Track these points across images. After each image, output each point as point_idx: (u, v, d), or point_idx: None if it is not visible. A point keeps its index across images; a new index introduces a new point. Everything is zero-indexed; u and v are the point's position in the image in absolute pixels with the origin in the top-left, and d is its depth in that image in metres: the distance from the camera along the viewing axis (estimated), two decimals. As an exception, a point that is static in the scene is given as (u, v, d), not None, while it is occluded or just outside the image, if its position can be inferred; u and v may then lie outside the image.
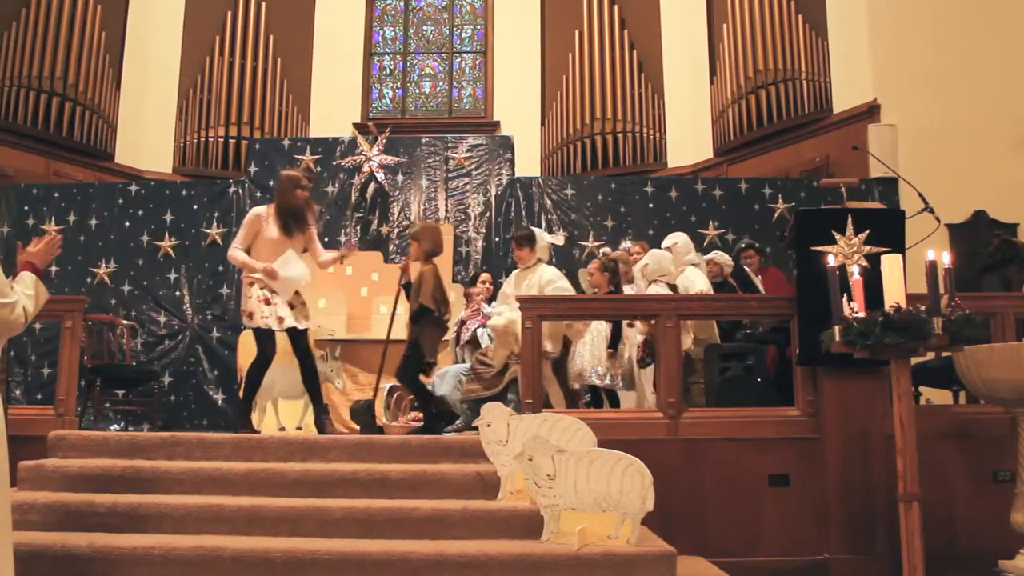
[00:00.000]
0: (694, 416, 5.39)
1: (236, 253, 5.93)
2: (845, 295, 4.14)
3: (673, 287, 6.51)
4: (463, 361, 7.13)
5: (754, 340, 6.70)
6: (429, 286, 5.97)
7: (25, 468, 4.73)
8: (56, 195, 9.25)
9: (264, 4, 12.68)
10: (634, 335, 6.92)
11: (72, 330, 5.68)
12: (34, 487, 4.64)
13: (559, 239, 7.00)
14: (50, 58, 10.87)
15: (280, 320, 5.72)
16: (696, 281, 6.52)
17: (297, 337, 5.83)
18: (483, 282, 7.48)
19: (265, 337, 5.72)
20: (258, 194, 9.30)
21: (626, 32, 12.39)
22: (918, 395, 6.12)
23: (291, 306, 5.82)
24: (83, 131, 11.14)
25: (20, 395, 8.41)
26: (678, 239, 6.64)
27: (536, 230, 6.89)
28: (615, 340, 6.46)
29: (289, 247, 5.87)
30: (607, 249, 8.33)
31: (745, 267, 7.53)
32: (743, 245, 7.57)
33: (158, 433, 5.45)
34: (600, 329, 6.47)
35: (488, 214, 9.26)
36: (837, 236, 5.08)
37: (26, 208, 9.13)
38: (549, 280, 6.44)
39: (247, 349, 7.87)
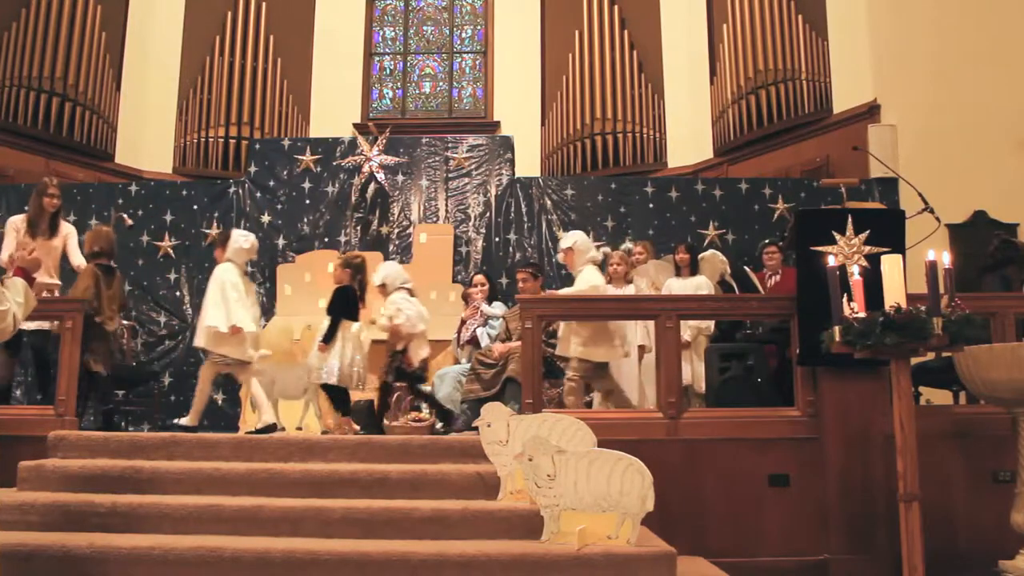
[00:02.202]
0: (694, 416, 5.39)
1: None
2: (845, 295, 4.14)
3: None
4: (463, 362, 7.13)
5: (754, 340, 6.70)
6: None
7: (25, 468, 4.73)
8: (56, 195, 9.23)
9: (264, 4, 12.68)
10: (634, 335, 6.93)
11: (72, 330, 5.68)
12: (34, 487, 4.65)
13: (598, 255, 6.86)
14: (50, 58, 10.87)
15: None
16: (591, 279, 6.38)
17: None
18: (479, 284, 7.48)
19: None
20: (258, 194, 9.30)
21: (626, 32, 12.39)
22: (918, 395, 6.12)
23: None
24: (83, 131, 11.14)
25: (20, 395, 8.40)
26: (576, 237, 6.51)
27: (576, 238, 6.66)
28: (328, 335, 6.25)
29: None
30: (607, 249, 8.32)
31: (746, 268, 7.53)
32: (767, 242, 7.54)
33: (158, 433, 5.45)
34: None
35: (488, 214, 9.25)
36: (837, 236, 5.08)
37: (26, 208, 9.09)
38: (593, 285, 6.30)
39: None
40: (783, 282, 7.04)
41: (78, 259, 6.77)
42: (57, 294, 6.72)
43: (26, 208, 6.93)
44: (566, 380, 6.14)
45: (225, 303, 6.06)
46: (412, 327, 6.21)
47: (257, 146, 9.80)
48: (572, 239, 6.48)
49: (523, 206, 9.26)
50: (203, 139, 12.12)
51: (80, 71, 11.14)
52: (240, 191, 9.35)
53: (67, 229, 6.91)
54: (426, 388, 6.51)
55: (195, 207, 9.29)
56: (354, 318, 6.27)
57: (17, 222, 6.73)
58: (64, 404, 5.55)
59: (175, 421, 6.31)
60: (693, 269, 7.35)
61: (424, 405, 6.52)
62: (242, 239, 6.42)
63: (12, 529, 4.21)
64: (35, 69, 10.76)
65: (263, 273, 8.95)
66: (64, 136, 10.97)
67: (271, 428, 6.03)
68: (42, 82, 10.78)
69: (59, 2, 11.08)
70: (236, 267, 6.31)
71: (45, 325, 6.41)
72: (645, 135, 12.01)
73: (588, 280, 6.27)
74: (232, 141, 12.02)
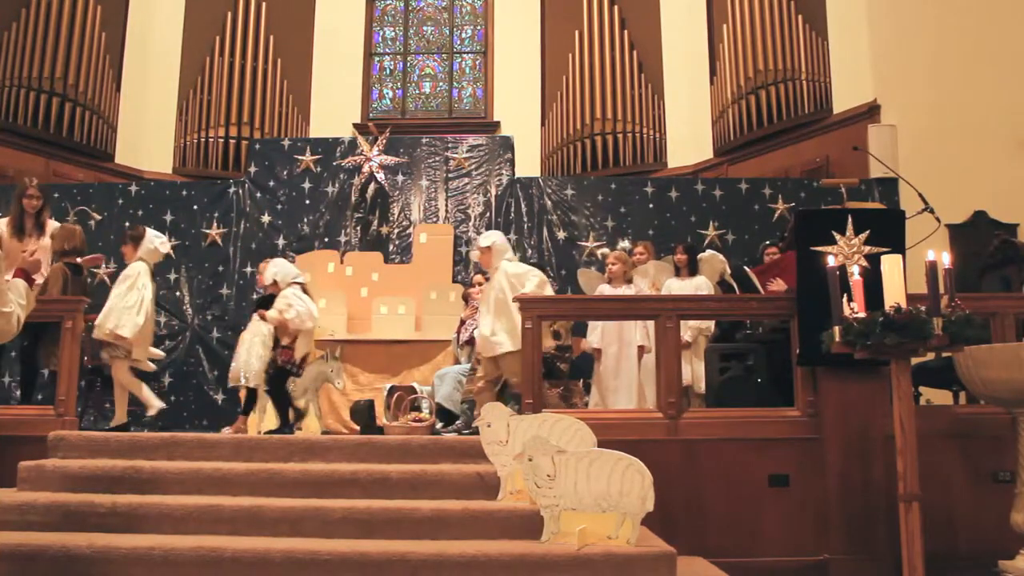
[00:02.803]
0: (694, 416, 5.39)
1: None
2: (845, 295, 4.14)
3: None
4: (463, 361, 7.13)
5: (755, 340, 6.70)
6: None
7: (25, 468, 4.74)
8: (56, 195, 9.21)
9: (264, 4, 12.69)
10: (632, 335, 6.93)
11: (72, 330, 5.68)
12: (34, 487, 4.65)
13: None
14: (50, 58, 10.88)
15: None
16: (509, 269, 6.27)
17: None
18: (479, 284, 7.47)
19: None
20: (258, 194, 9.30)
21: (626, 32, 12.39)
22: (918, 395, 6.11)
23: None
24: (83, 131, 11.15)
25: (20, 395, 8.40)
26: (495, 237, 6.44)
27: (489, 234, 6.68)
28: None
29: None
30: (606, 250, 8.33)
31: (746, 268, 7.52)
32: (767, 242, 7.54)
33: (158, 433, 5.45)
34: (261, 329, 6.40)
35: (488, 214, 9.26)
36: (837, 236, 5.08)
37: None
38: (516, 273, 6.24)
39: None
40: (785, 264, 7.00)
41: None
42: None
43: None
44: (477, 379, 6.26)
45: (128, 308, 6.06)
46: (301, 323, 6.18)
47: (257, 146, 9.80)
48: (491, 238, 6.42)
49: (523, 206, 9.26)
50: (203, 139, 12.12)
51: (80, 71, 11.14)
52: (240, 191, 9.36)
53: (53, 227, 6.86)
54: (293, 388, 6.51)
55: (195, 207, 9.29)
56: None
57: (0, 225, 6.72)
58: (64, 404, 5.55)
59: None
60: (692, 269, 7.35)
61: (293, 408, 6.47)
62: (157, 240, 6.44)
63: (12, 529, 4.21)
64: (35, 69, 10.77)
65: (263, 273, 8.96)
66: (64, 136, 10.97)
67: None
68: (42, 82, 10.79)
69: (59, 2, 11.09)
70: (148, 268, 6.30)
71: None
72: (645, 135, 12.02)
73: (506, 269, 6.20)
74: (232, 141, 12.02)
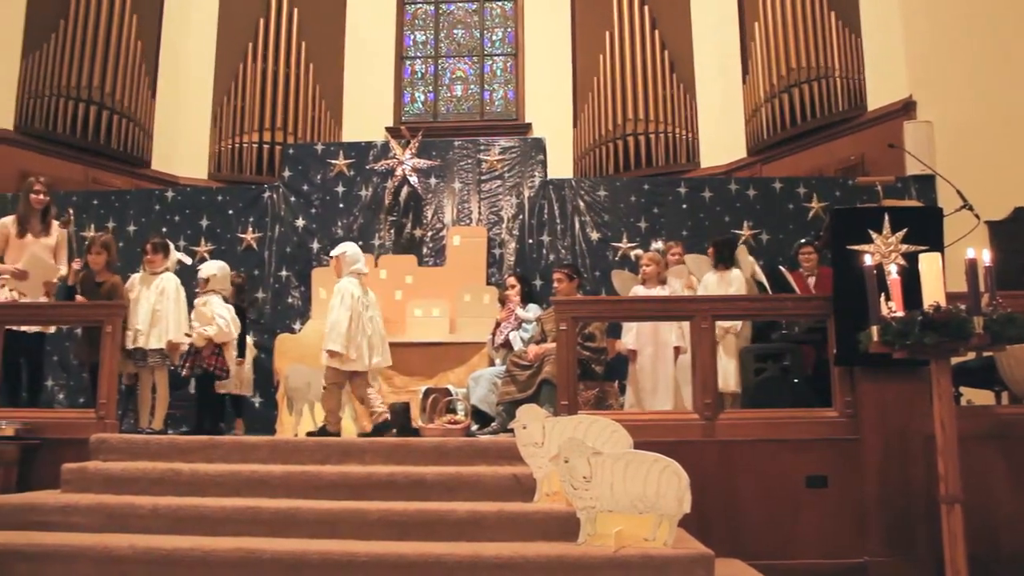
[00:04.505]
0: (730, 417, 5.36)
1: None
2: (883, 295, 4.10)
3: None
4: (497, 363, 7.14)
5: (790, 340, 6.65)
6: None
7: (68, 470, 4.82)
8: (95, 202, 9.38)
9: (296, 10, 12.79)
10: (667, 336, 6.91)
11: (112, 335, 5.77)
12: (77, 489, 4.73)
13: None
14: (88, 68, 11.05)
15: None
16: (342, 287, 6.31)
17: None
18: (511, 285, 7.46)
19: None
20: (292, 199, 9.37)
21: (657, 32, 12.35)
22: (959, 395, 6.04)
23: None
24: (120, 139, 11.32)
25: (63, 399, 8.54)
26: (347, 248, 6.45)
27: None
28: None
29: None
30: (639, 251, 8.30)
31: (781, 267, 7.47)
32: (802, 242, 7.47)
33: (197, 436, 5.51)
34: None
35: (521, 216, 9.26)
36: (874, 235, 5.02)
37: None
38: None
39: (285, 352, 7.96)
40: (821, 282, 6.96)
41: (63, 264, 6.88)
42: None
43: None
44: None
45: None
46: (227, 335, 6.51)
47: (291, 151, 9.88)
48: (343, 249, 6.46)
49: (556, 208, 9.25)
50: (237, 145, 12.25)
51: (117, 80, 11.32)
52: (274, 196, 9.43)
53: (59, 232, 6.97)
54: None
55: (230, 212, 9.38)
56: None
57: (6, 223, 6.80)
58: (105, 408, 5.64)
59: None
60: (727, 263, 7.26)
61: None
62: (178, 255, 6.82)
63: (56, 530, 4.28)
64: (73, 79, 10.95)
65: (298, 277, 9.03)
66: (102, 144, 11.15)
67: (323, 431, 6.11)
68: (80, 91, 10.96)
69: (96, 13, 11.27)
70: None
71: (51, 329, 6.85)
72: (677, 135, 11.98)
73: (339, 289, 6.27)
74: (266, 146, 12.14)
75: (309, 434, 6.12)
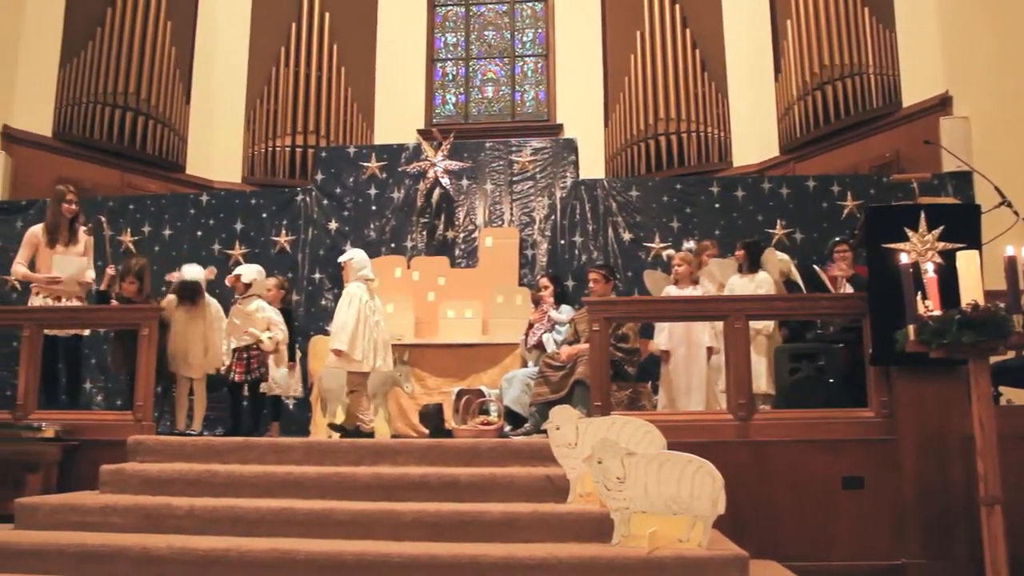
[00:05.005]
0: (764, 418, 5.32)
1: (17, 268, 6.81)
2: (919, 293, 4.04)
3: None
4: (530, 364, 7.13)
5: (825, 340, 6.58)
6: None
7: (106, 472, 4.90)
8: (131, 207, 9.50)
9: (328, 14, 12.89)
10: (700, 336, 6.87)
11: (148, 337, 5.84)
12: (115, 490, 4.81)
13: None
14: (123, 74, 11.23)
15: None
16: (350, 291, 6.39)
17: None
18: (544, 286, 7.45)
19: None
20: (325, 201, 9.43)
21: (688, 31, 12.30)
22: (998, 395, 5.94)
23: None
24: (155, 144, 11.49)
25: (101, 401, 8.66)
26: (355, 255, 6.55)
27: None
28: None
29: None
30: (672, 251, 8.25)
31: (815, 266, 7.38)
32: (837, 239, 7.39)
33: (232, 438, 5.57)
34: None
35: (553, 217, 9.25)
36: (910, 233, 4.96)
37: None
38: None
39: (318, 354, 8.00)
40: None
41: (90, 272, 6.98)
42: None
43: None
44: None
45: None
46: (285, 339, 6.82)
47: (323, 154, 9.94)
48: (350, 255, 6.59)
49: (588, 208, 9.23)
50: (271, 148, 12.37)
51: (152, 86, 11.49)
52: (308, 199, 9.50)
53: (85, 238, 7.05)
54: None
55: (264, 215, 9.46)
56: None
57: (37, 232, 6.88)
58: (142, 410, 5.71)
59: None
60: (754, 266, 7.22)
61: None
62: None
63: (95, 530, 4.35)
64: (110, 85, 11.13)
65: (331, 280, 9.08)
66: (137, 149, 11.31)
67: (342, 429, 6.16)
68: (116, 98, 11.14)
69: (132, 20, 11.45)
70: None
71: (86, 332, 6.91)
72: (709, 134, 11.92)
73: (347, 293, 6.38)
74: (299, 150, 12.25)
75: (331, 426, 6.22)
